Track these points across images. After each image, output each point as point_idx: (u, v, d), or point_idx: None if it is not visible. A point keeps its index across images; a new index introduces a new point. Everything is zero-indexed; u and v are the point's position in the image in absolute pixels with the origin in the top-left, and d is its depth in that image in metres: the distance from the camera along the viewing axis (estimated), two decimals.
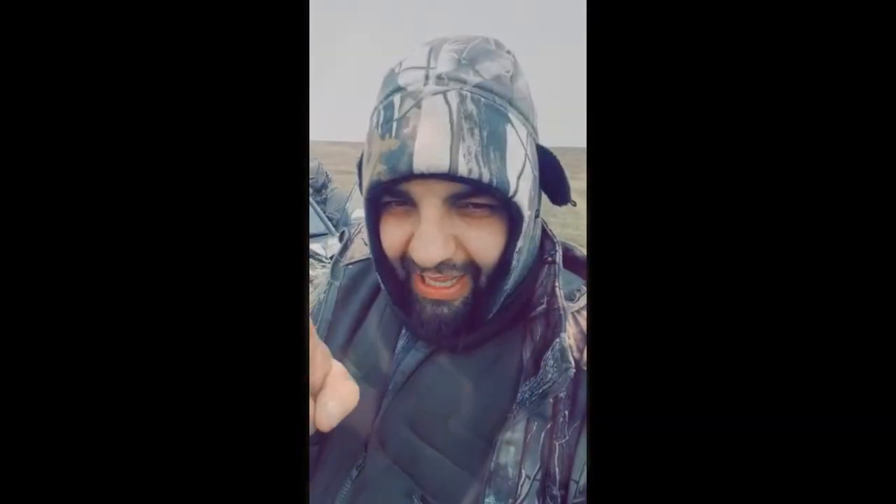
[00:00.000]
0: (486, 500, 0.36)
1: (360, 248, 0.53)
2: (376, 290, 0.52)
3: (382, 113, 0.36)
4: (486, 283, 0.38)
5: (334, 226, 2.76)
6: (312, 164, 3.80)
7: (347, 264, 0.54)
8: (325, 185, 3.74)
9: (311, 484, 0.48)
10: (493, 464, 0.36)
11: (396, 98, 0.35)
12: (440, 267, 0.36)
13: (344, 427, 0.45)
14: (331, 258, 0.56)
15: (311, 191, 3.46)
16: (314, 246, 2.28)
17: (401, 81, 0.36)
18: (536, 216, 0.41)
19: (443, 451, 0.40)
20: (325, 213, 2.87)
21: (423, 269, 0.37)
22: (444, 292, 0.38)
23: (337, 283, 0.53)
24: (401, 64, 0.37)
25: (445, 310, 0.38)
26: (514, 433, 0.37)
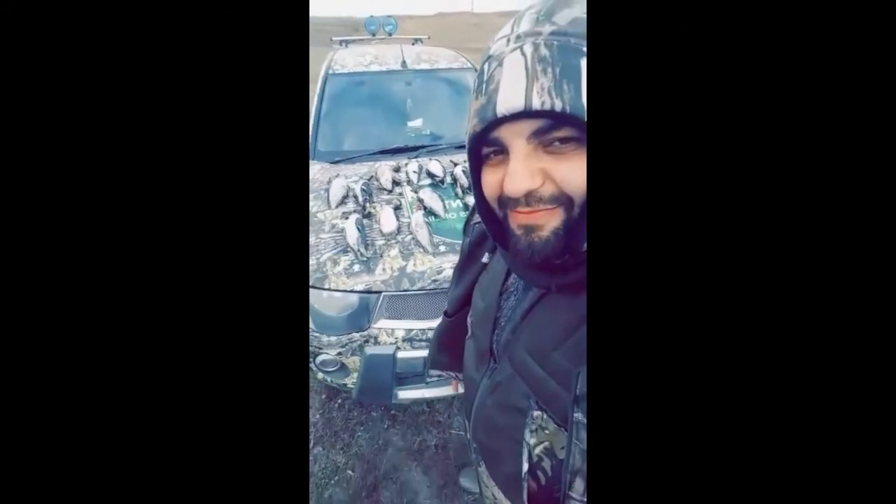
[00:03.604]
0: (576, 415, 0.42)
1: None
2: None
3: (476, 80, 0.43)
4: (578, 212, 0.42)
5: None
6: None
7: (475, 223, 0.66)
8: None
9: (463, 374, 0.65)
10: (579, 389, 0.42)
11: (486, 65, 0.42)
12: (528, 199, 0.41)
13: (475, 337, 0.60)
14: None
15: None
16: None
17: (490, 52, 0.42)
18: None
19: (549, 373, 0.47)
20: None
21: (515, 203, 0.42)
22: (532, 216, 0.42)
23: (468, 240, 0.67)
24: (494, 39, 0.43)
25: (536, 238, 0.43)
26: None
